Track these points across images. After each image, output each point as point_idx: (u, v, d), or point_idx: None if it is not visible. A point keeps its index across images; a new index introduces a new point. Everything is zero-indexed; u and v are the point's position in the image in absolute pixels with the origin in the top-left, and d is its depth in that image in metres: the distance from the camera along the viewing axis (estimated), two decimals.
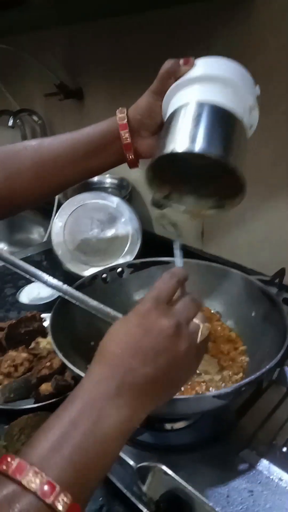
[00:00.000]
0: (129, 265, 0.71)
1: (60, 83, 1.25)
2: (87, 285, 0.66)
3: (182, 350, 0.38)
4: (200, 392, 0.53)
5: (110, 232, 1.00)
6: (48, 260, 1.14)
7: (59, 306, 0.58)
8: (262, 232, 0.91)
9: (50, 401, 0.63)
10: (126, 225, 1.00)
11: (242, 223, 0.94)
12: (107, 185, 1.22)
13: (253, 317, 0.63)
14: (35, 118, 1.38)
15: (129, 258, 0.98)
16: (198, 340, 0.40)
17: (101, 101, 1.20)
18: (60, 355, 0.48)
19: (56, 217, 1.00)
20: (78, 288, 0.63)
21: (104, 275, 0.69)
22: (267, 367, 0.46)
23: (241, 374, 0.56)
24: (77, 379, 0.55)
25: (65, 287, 0.59)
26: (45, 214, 1.45)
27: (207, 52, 0.86)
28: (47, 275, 0.59)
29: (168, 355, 0.37)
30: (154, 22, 0.97)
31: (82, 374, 0.47)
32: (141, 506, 0.50)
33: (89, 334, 0.62)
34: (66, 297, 0.58)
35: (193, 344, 0.39)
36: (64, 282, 0.62)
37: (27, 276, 0.58)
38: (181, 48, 0.93)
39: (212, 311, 0.68)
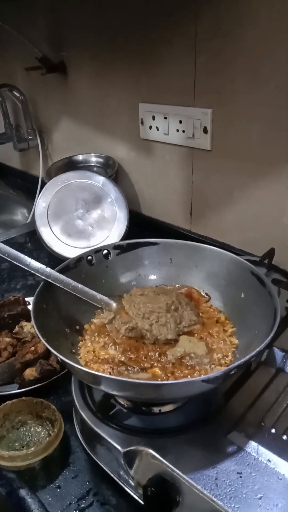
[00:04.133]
0: (115, 246, 0.69)
1: (43, 57, 1.20)
2: (72, 267, 0.63)
3: None
4: (189, 376, 0.52)
5: (95, 213, 0.97)
6: (32, 242, 1.11)
7: (42, 289, 0.56)
8: (251, 211, 0.89)
9: (34, 386, 0.62)
10: (112, 205, 0.98)
11: (231, 203, 0.93)
12: (92, 164, 1.19)
13: (243, 299, 0.62)
14: (16, 93, 1.32)
15: (116, 239, 0.95)
16: None
17: (85, 76, 1.16)
18: (42, 339, 0.47)
19: (39, 197, 0.97)
20: (62, 271, 0.61)
21: (89, 257, 0.66)
22: (257, 349, 0.45)
23: (230, 357, 0.56)
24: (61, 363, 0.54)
25: (49, 270, 0.57)
26: (29, 194, 1.41)
27: (195, 25, 0.83)
28: (30, 258, 0.57)
29: None
30: None
31: (65, 359, 0.45)
32: (128, 490, 0.50)
33: (73, 317, 0.60)
34: (50, 280, 0.56)
35: None
36: (49, 265, 0.60)
37: (8, 260, 0.56)
38: (168, 20, 0.89)
39: (201, 292, 0.67)
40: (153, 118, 0.99)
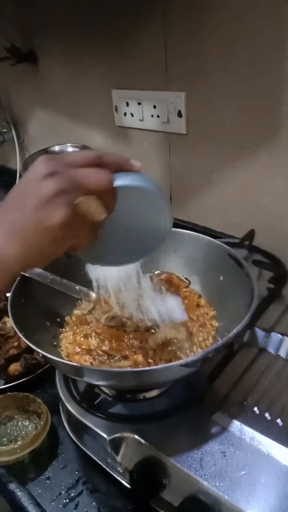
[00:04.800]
0: None
1: (11, 46, 1.17)
2: None
3: (46, 191, 0.35)
4: (171, 361, 0.52)
5: None
6: None
7: (18, 284, 0.55)
8: (230, 194, 0.89)
9: (20, 380, 0.62)
10: None
11: (210, 186, 0.92)
12: None
13: (221, 281, 0.62)
14: None
15: None
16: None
17: (57, 64, 1.13)
18: (20, 334, 0.46)
19: None
20: None
21: None
22: (233, 331, 0.45)
23: (210, 340, 0.56)
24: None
25: None
26: (7, 188, 1.39)
27: (164, 5, 0.81)
28: None
29: (33, 197, 0.36)
30: None
31: (45, 353, 0.45)
32: (117, 476, 0.50)
33: (53, 310, 0.60)
34: (26, 274, 0.56)
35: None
36: None
37: None
38: (137, 1, 0.87)
39: (181, 277, 0.67)
40: (127, 104, 0.98)
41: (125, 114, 0.99)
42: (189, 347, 0.54)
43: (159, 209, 0.45)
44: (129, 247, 0.49)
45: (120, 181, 0.39)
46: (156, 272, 0.68)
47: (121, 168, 0.40)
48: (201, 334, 0.56)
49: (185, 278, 0.67)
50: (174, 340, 0.55)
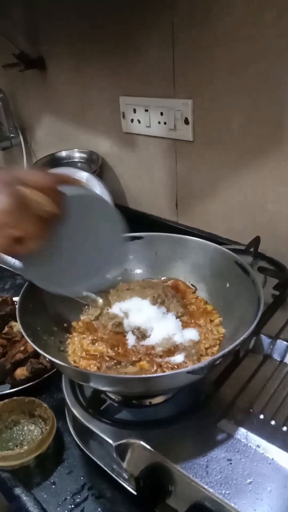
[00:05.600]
0: None
1: (20, 53, 1.19)
2: None
3: None
4: (176, 367, 0.52)
5: None
6: None
7: (27, 289, 0.56)
8: (236, 201, 0.90)
9: (26, 385, 0.62)
10: None
11: (215, 193, 0.93)
12: (76, 160, 1.18)
13: (228, 288, 0.62)
14: None
15: None
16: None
17: (65, 70, 1.15)
18: (28, 339, 0.47)
19: None
20: None
21: None
22: (241, 338, 0.45)
23: (217, 346, 0.56)
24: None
25: None
26: None
27: (172, 14, 0.82)
28: (14, 259, 0.57)
29: None
30: None
31: (52, 358, 0.45)
32: (122, 483, 0.50)
33: (61, 315, 0.60)
34: None
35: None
36: None
37: None
38: (145, 10, 0.88)
39: (188, 284, 0.68)
40: (134, 111, 0.98)
41: (132, 120, 1.00)
42: (196, 354, 0.54)
43: (111, 223, 0.44)
44: (82, 267, 0.47)
45: (67, 188, 0.40)
46: (162, 279, 0.69)
47: (66, 181, 0.41)
48: (207, 340, 0.57)
49: (192, 284, 0.67)
50: (181, 347, 0.56)
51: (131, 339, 0.56)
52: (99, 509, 0.50)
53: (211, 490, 0.43)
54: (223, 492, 0.43)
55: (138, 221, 1.11)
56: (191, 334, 0.57)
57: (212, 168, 0.91)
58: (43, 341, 0.54)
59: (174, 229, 1.02)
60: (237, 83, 0.79)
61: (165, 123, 0.93)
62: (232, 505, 0.42)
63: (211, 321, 0.61)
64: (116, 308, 0.60)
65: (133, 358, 0.54)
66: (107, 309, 0.60)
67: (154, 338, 0.56)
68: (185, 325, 0.59)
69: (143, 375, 0.49)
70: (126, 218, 1.08)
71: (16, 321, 0.71)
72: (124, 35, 0.94)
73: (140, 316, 0.58)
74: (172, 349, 0.55)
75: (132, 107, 0.99)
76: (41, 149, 1.37)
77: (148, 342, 0.56)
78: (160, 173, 1.02)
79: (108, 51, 1.00)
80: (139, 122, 0.99)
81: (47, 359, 0.48)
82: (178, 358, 0.54)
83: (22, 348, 0.65)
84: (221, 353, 0.44)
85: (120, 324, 0.57)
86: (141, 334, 0.56)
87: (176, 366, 0.52)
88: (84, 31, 1.03)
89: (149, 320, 0.58)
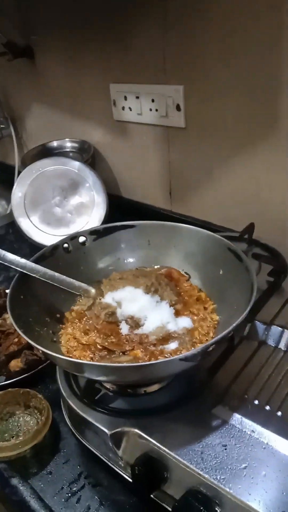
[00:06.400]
0: (92, 232, 0.68)
1: (8, 42, 1.16)
2: (48, 256, 0.63)
3: None
4: (170, 355, 0.52)
5: (73, 199, 0.96)
6: (14, 233, 1.10)
7: (17, 280, 0.55)
8: (229, 188, 0.89)
9: (21, 376, 0.62)
10: (90, 190, 0.97)
11: (210, 181, 0.92)
12: (67, 149, 1.17)
13: (221, 275, 0.62)
14: None
15: (96, 225, 0.95)
16: None
17: (54, 59, 1.13)
18: (19, 331, 0.46)
19: (15, 187, 0.96)
20: (38, 260, 0.60)
21: (65, 245, 0.66)
22: (233, 325, 0.45)
23: (211, 333, 0.56)
24: None
25: (23, 261, 0.56)
26: (6, 184, 1.39)
27: (165, 3, 0.80)
28: (4, 251, 0.56)
29: None
30: None
31: (45, 350, 0.45)
32: (118, 470, 0.51)
33: (53, 306, 0.60)
34: (25, 271, 0.56)
35: None
36: (30, 255, 0.60)
37: None
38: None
39: (181, 272, 0.67)
40: (125, 98, 0.97)
41: (123, 108, 0.99)
42: (190, 341, 0.54)
43: None
44: None
45: None
46: (156, 267, 0.68)
47: None
48: (202, 328, 0.56)
49: (185, 272, 0.67)
50: (175, 334, 0.55)
51: (124, 329, 0.55)
52: (96, 497, 0.50)
53: (206, 475, 0.43)
54: (219, 477, 0.43)
55: (132, 211, 1.10)
56: (185, 322, 0.57)
57: (205, 155, 0.90)
58: (36, 332, 0.54)
59: (169, 218, 1.01)
60: (229, 69, 0.77)
61: (156, 110, 0.92)
62: (227, 489, 0.42)
63: (205, 308, 0.61)
64: (109, 298, 0.59)
65: (127, 347, 0.53)
66: (100, 299, 0.60)
67: (148, 327, 0.56)
68: (179, 313, 0.59)
69: (136, 363, 0.49)
70: (120, 208, 1.08)
71: None
72: (115, 21, 0.92)
73: (133, 305, 0.58)
74: (166, 337, 0.55)
75: (123, 94, 0.97)
76: (32, 139, 1.35)
77: (141, 331, 0.55)
78: (153, 161, 1.01)
79: (99, 38, 0.98)
80: (131, 110, 0.97)
81: (40, 351, 0.48)
82: (172, 345, 0.53)
83: (16, 340, 0.65)
84: (213, 340, 0.44)
85: (113, 313, 0.57)
86: (135, 323, 0.56)
87: (169, 354, 0.52)
88: (74, 19, 1.01)
89: (143, 309, 0.57)
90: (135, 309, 0.57)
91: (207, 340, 0.55)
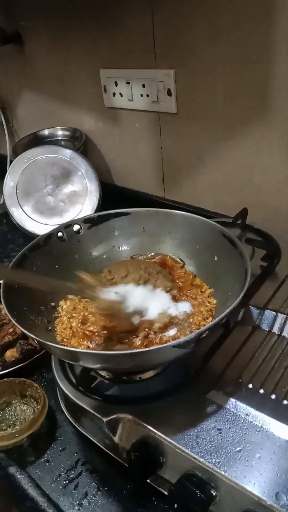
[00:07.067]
0: (86, 220, 0.68)
1: None
2: (42, 245, 0.62)
3: None
4: (170, 341, 0.52)
5: (66, 188, 0.95)
6: (7, 223, 1.09)
7: (11, 270, 0.55)
8: (222, 173, 0.88)
9: (16, 366, 0.62)
10: (83, 178, 0.96)
11: (202, 166, 0.91)
12: (59, 138, 1.15)
13: (216, 261, 0.62)
14: None
15: (89, 213, 0.94)
16: None
17: (43, 45, 1.10)
18: (13, 320, 0.46)
19: (6, 176, 0.94)
20: (32, 249, 0.60)
21: (59, 233, 0.65)
22: (226, 311, 0.45)
23: (210, 318, 0.56)
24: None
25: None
26: None
27: None
28: None
29: None
30: None
31: (39, 339, 0.45)
32: (115, 456, 0.51)
33: (48, 295, 0.59)
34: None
35: None
36: (24, 245, 0.60)
37: None
38: None
39: (176, 259, 0.67)
40: (116, 84, 0.96)
41: (114, 94, 0.97)
42: (188, 327, 0.54)
43: None
44: None
45: None
46: (149, 255, 0.68)
47: None
48: (200, 312, 0.56)
49: (180, 259, 0.67)
50: (176, 320, 0.55)
51: (135, 320, 0.55)
52: (93, 483, 0.51)
53: (201, 459, 0.43)
54: (214, 461, 0.43)
55: (125, 199, 1.10)
56: (185, 306, 0.57)
57: (197, 140, 0.89)
58: (30, 321, 0.53)
59: (162, 205, 1.00)
60: (219, 51, 0.76)
61: (147, 95, 0.91)
62: (223, 472, 0.42)
63: (201, 292, 0.60)
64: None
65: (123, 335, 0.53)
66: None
67: (151, 315, 0.55)
68: (177, 298, 0.59)
69: (129, 351, 0.49)
70: (113, 196, 1.07)
71: None
72: (102, 4, 0.90)
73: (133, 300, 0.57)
74: (167, 324, 0.55)
75: (113, 80, 0.96)
76: (23, 128, 1.33)
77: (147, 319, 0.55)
78: (145, 148, 1.00)
79: (87, 22, 0.96)
80: (121, 96, 0.96)
81: (34, 340, 0.47)
82: (171, 332, 0.53)
83: (11, 330, 0.65)
84: (206, 326, 0.44)
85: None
86: (141, 315, 0.56)
87: (170, 340, 0.52)
88: (62, 4, 0.99)
89: (142, 301, 0.57)
90: (137, 302, 0.56)
91: (204, 324, 0.55)
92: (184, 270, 0.66)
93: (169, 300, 0.58)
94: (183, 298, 0.60)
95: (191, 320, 0.56)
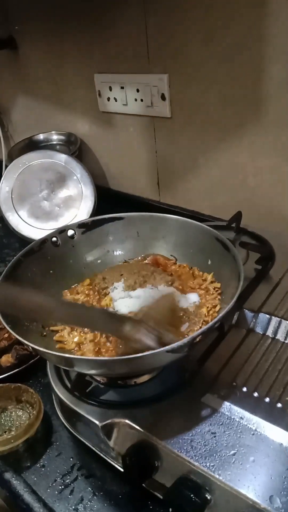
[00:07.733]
0: (80, 225, 0.68)
1: None
2: (37, 250, 0.62)
3: None
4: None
5: (61, 192, 0.95)
6: (3, 228, 1.09)
7: (5, 276, 0.55)
8: (216, 176, 0.89)
9: (12, 372, 0.62)
10: (78, 183, 0.96)
11: (196, 170, 0.92)
12: (54, 142, 1.16)
13: (210, 265, 0.62)
14: None
15: (85, 217, 0.94)
16: None
17: (37, 49, 1.11)
18: (7, 326, 0.46)
19: (1, 181, 0.95)
20: (26, 255, 0.60)
21: (54, 238, 0.65)
22: (220, 315, 0.45)
23: (218, 306, 0.56)
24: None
25: None
26: None
27: None
28: None
29: None
30: None
31: (33, 345, 0.45)
32: (111, 461, 0.51)
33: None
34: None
35: None
36: (19, 250, 0.60)
37: None
38: None
39: (168, 256, 0.67)
40: (110, 89, 0.96)
41: (108, 99, 0.98)
42: (198, 322, 0.54)
43: None
44: None
45: None
46: (140, 257, 0.68)
47: None
48: (208, 302, 0.57)
49: (171, 255, 0.67)
50: (186, 315, 0.55)
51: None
52: (89, 488, 0.51)
53: (196, 463, 0.44)
54: (208, 464, 0.43)
55: (121, 203, 1.10)
56: (193, 297, 0.58)
57: (191, 144, 0.89)
58: (25, 327, 0.54)
59: (157, 209, 1.01)
60: (212, 55, 0.77)
61: (141, 100, 0.91)
62: (217, 476, 0.42)
63: (204, 281, 0.61)
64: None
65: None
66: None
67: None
68: (183, 291, 0.59)
69: (123, 357, 0.49)
70: (109, 200, 1.08)
71: None
72: (95, 9, 0.91)
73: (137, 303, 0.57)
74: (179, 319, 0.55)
75: (107, 84, 0.96)
76: (18, 132, 1.34)
77: None
78: (140, 152, 1.01)
79: (81, 28, 0.96)
80: (116, 100, 0.96)
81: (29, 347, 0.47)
82: (183, 328, 0.54)
83: (6, 335, 0.65)
84: (199, 331, 0.44)
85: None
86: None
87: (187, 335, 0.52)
88: (56, 9, 0.99)
89: (146, 301, 0.56)
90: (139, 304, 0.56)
91: (213, 315, 0.55)
92: (178, 264, 0.66)
93: (178, 292, 0.58)
94: (188, 290, 0.60)
95: (200, 313, 0.56)
